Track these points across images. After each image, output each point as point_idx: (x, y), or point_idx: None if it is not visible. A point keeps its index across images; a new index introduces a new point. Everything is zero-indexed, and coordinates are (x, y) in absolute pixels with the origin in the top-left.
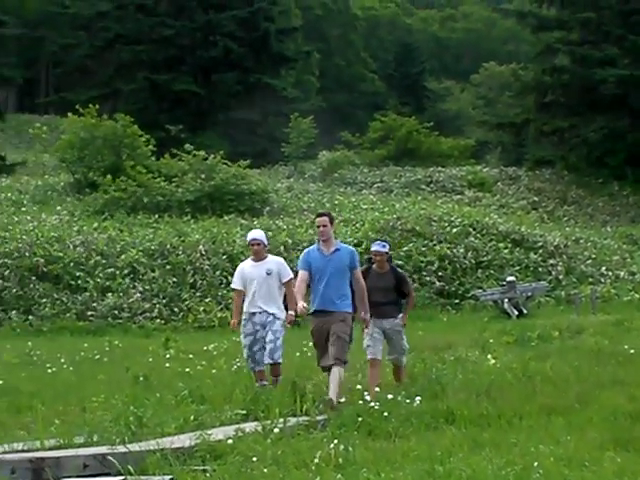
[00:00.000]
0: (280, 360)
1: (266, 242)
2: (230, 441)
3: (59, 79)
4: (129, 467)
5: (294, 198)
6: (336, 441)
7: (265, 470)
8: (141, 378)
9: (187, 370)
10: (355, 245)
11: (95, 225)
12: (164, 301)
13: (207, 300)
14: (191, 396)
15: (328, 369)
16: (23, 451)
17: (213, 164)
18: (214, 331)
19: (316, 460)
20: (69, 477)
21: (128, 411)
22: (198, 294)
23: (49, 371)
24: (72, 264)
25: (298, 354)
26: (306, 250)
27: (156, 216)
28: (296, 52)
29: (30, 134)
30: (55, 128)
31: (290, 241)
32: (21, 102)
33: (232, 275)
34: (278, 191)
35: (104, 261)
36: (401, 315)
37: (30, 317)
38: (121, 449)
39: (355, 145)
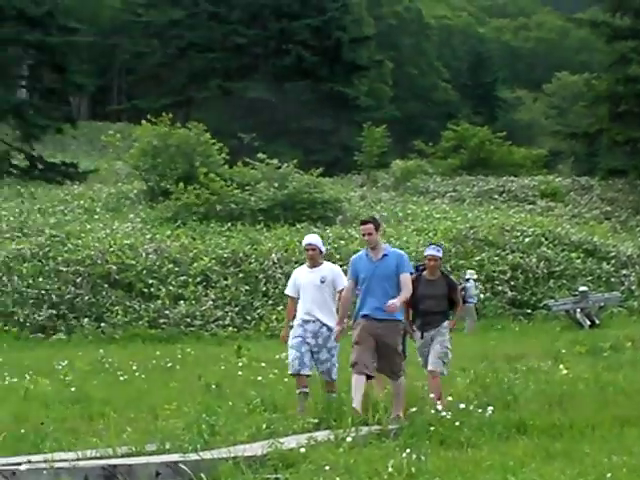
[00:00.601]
0: (335, 377)
1: (322, 248)
2: (302, 450)
3: (132, 87)
4: (201, 475)
5: (367, 207)
6: (408, 450)
7: (337, 479)
8: (213, 386)
9: (259, 378)
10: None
11: (168, 233)
12: (236, 309)
13: (279, 308)
14: (263, 404)
15: (367, 378)
16: (95, 458)
17: (286, 172)
18: None
19: (389, 469)
20: None
21: (200, 419)
22: (270, 302)
23: (121, 378)
24: (145, 272)
25: None
26: (355, 255)
27: (229, 224)
28: (369, 61)
29: (102, 142)
30: (128, 136)
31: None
32: (93, 110)
33: None
34: (351, 200)
35: (177, 269)
36: (447, 322)
37: (102, 324)
38: (193, 457)
39: (428, 154)
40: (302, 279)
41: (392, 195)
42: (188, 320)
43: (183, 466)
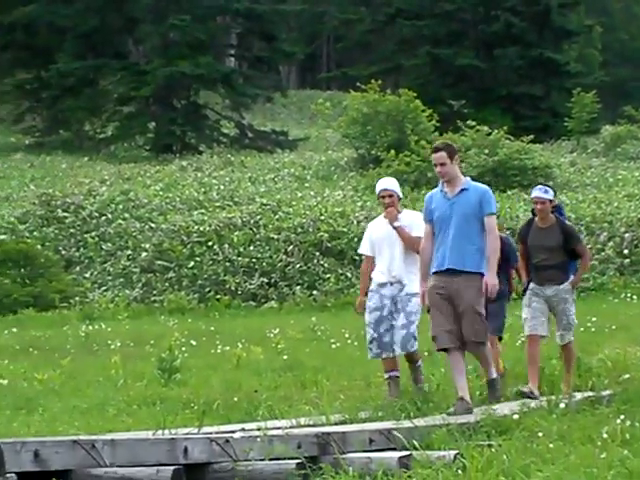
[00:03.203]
0: (414, 349)
1: (400, 193)
2: (515, 416)
3: (340, 54)
4: (414, 442)
5: (577, 173)
6: (622, 417)
7: (551, 445)
8: (425, 353)
9: None
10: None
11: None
12: None
13: None
14: (476, 371)
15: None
16: (309, 426)
17: (496, 139)
18: None
19: (602, 435)
20: (355, 452)
21: (413, 386)
22: None
23: (333, 346)
24: (356, 239)
25: (582, 329)
26: (429, 194)
27: None
28: (578, 26)
29: (312, 110)
30: (337, 103)
31: (573, 216)
32: (303, 78)
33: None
34: (561, 166)
35: None
36: (571, 279)
37: (314, 292)
38: (407, 424)
39: (638, 119)
40: (378, 233)
41: (602, 161)
42: None
43: (397, 433)
